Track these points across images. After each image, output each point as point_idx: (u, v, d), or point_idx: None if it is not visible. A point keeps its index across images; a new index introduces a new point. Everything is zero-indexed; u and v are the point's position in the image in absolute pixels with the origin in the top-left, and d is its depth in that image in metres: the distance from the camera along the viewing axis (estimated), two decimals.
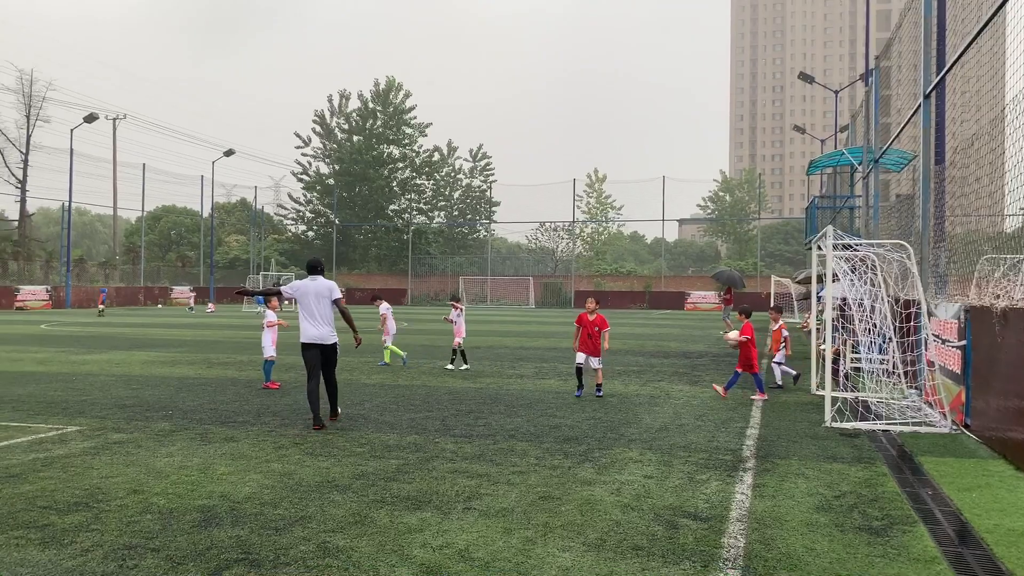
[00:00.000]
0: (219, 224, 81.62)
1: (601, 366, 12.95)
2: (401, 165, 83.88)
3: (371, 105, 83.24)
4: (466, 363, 16.79)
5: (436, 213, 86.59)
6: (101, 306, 45.46)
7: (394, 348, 17.55)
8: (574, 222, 76.06)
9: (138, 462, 7.84)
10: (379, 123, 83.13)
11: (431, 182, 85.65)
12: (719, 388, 13.29)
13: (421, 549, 5.34)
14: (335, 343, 10.35)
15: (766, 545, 5.55)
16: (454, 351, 16.82)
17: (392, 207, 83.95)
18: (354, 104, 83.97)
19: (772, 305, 16.61)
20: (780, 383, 14.43)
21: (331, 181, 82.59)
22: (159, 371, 15.87)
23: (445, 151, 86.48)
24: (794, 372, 14.55)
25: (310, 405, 10.03)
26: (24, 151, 62.11)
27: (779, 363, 14.69)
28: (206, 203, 73.91)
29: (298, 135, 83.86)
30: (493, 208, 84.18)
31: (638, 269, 78.75)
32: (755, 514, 6.30)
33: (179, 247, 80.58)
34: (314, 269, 10.54)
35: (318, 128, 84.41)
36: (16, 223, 64.42)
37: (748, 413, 11.40)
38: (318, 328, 10.22)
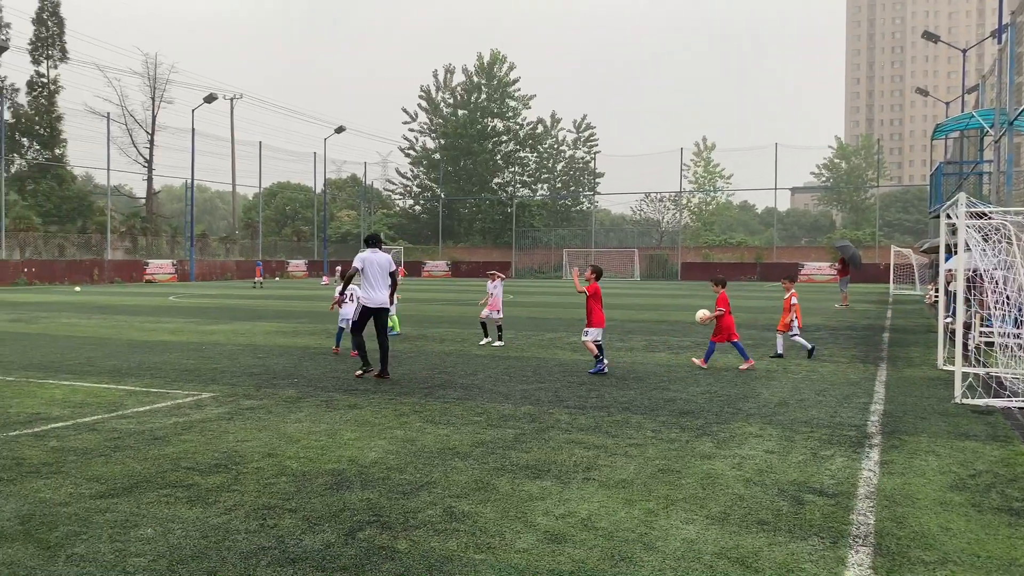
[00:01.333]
0: (331, 199, 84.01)
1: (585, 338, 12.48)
2: (505, 138, 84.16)
3: (475, 79, 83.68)
4: (500, 339, 16.16)
5: (539, 186, 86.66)
6: (259, 279, 47.87)
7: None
8: (681, 192, 74.70)
9: (270, 427, 8.24)
10: (483, 96, 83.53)
11: (535, 154, 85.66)
12: (697, 360, 13.40)
13: (544, 517, 5.43)
14: (388, 307, 12.22)
15: (898, 523, 5.39)
16: (483, 325, 16.43)
17: (496, 180, 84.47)
18: (459, 78, 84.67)
19: (786, 276, 16.12)
20: (781, 352, 14.29)
21: (437, 155, 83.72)
22: (282, 341, 16.56)
23: (549, 123, 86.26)
24: (808, 345, 14.38)
25: (359, 353, 12.06)
26: (150, 132, 65.45)
27: (794, 335, 14.39)
28: (318, 179, 76.32)
29: (405, 111, 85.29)
30: (597, 179, 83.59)
31: (748, 240, 76.75)
32: (884, 491, 6.11)
33: (294, 222, 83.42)
34: (374, 243, 12.17)
35: (424, 103, 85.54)
36: (144, 200, 68.11)
37: (872, 388, 11.03)
38: (380, 293, 11.86)
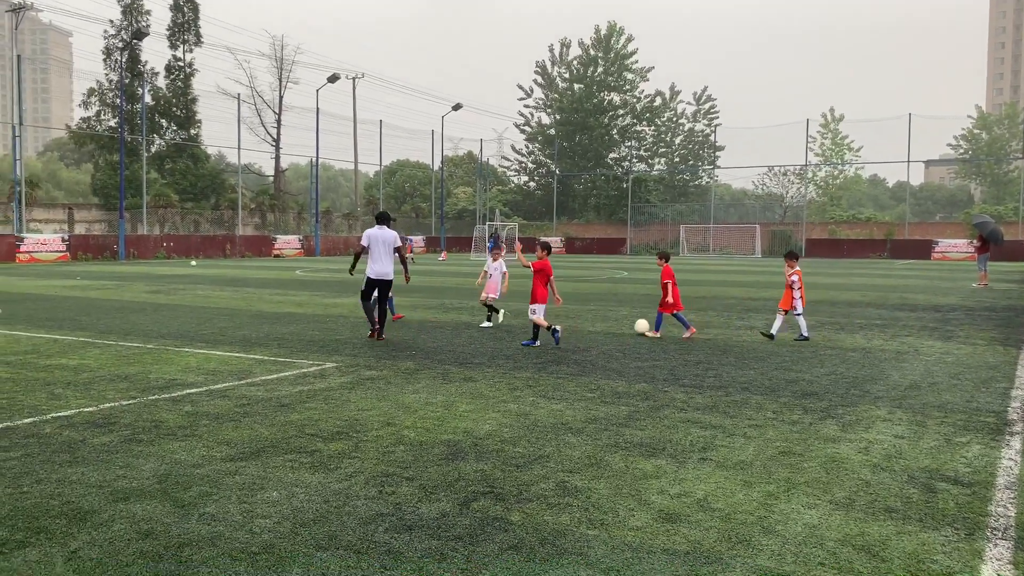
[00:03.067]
0: (448, 176, 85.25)
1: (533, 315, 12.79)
2: (622, 112, 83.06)
3: (592, 52, 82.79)
4: (489, 320, 15.20)
5: (656, 160, 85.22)
6: (410, 255, 49.60)
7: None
8: (806, 165, 71.88)
9: (388, 397, 8.45)
10: (600, 70, 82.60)
11: (652, 128, 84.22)
12: (652, 333, 13.64)
13: (658, 495, 5.35)
14: (391, 280, 13.19)
15: None
16: (487, 307, 15.24)
17: (612, 155, 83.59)
18: (575, 52, 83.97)
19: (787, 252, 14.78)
20: (806, 335, 13.43)
21: (552, 131, 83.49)
22: (401, 314, 16.96)
23: (667, 95, 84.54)
24: (806, 334, 13.52)
25: (368, 317, 13.38)
26: (277, 112, 68.01)
27: (799, 314, 13.55)
28: (436, 157, 77.53)
29: (520, 87, 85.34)
30: (717, 153, 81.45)
31: (878, 215, 73.19)
32: None
33: (412, 199, 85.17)
34: (382, 220, 13.34)
35: (540, 79, 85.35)
36: (272, 178, 70.98)
37: (1013, 373, 10.33)
38: (383, 266, 13.05)
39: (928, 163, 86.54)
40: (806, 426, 7.35)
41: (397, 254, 13.31)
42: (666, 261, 14.17)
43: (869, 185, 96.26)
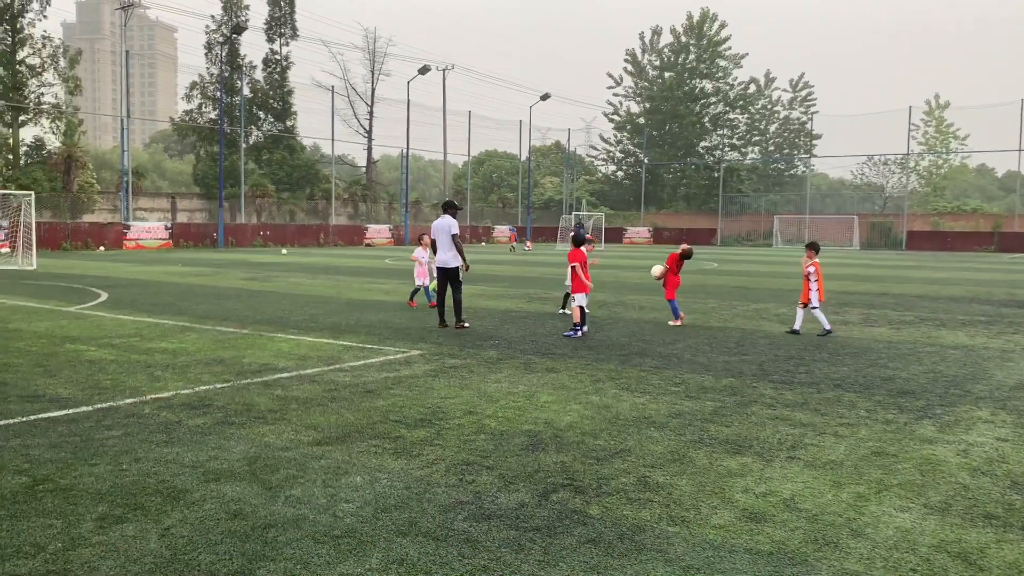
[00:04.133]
0: (535, 166, 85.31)
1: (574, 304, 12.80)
2: (714, 100, 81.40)
3: (683, 39, 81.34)
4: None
5: (750, 149, 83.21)
6: (514, 243, 50.98)
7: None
8: (908, 154, 68.97)
9: (471, 386, 8.52)
10: (692, 57, 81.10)
11: (745, 116, 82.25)
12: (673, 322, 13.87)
13: (743, 494, 5.22)
14: (454, 268, 13.02)
15: None
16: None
17: (703, 144, 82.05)
18: (666, 39, 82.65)
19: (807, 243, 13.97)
20: (828, 328, 12.90)
21: (641, 120, 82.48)
22: (486, 303, 17.06)
23: (762, 82, 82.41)
24: (827, 326, 12.98)
25: (438, 309, 13.39)
26: (369, 103, 69.29)
27: (814, 307, 12.99)
28: (524, 147, 77.60)
29: (610, 75, 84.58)
30: (814, 141, 78.98)
31: (985, 207, 69.71)
32: None
33: (499, 189, 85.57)
34: (446, 209, 13.32)
35: (629, 67, 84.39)
36: (364, 169, 72.42)
37: None
38: (444, 254, 13.06)
39: None
40: (901, 426, 7.06)
41: (453, 240, 12.97)
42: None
43: (976, 175, 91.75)
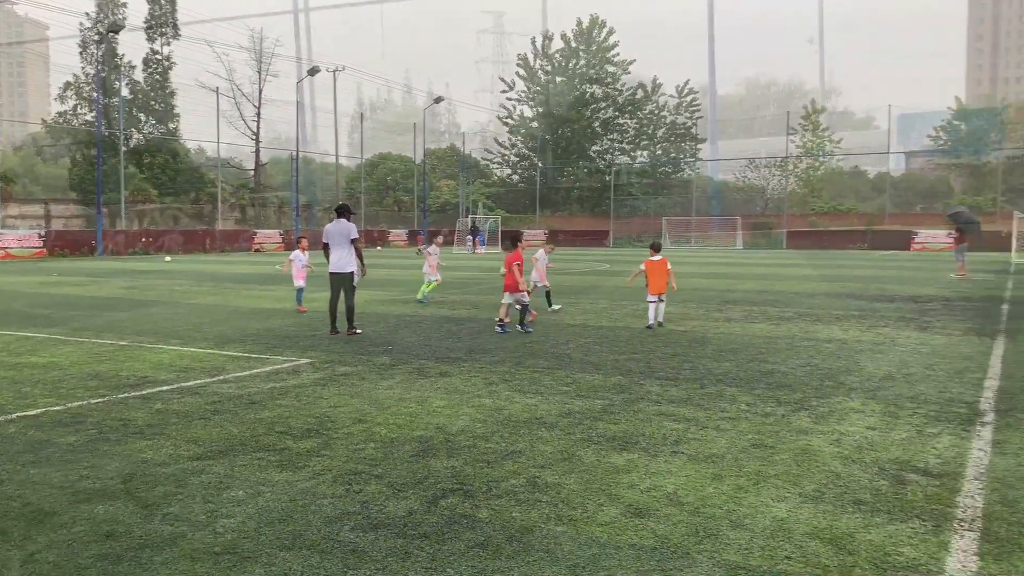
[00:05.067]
0: (431, 170, 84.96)
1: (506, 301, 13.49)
2: (604, 105, 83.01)
3: (573, 44, 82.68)
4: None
5: (639, 153, 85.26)
6: (420, 247, 49.72)
7: None
8: (787, 157, 72.15)
9: (362, 393, 8.39)
10: (582, 63, 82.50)
11: (634, 121, 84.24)
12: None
13: (629, 490, 5.32)
14: (347, 272, 12.76)
15: (1009, 507, 5.04)
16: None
17: (595, 148, 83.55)
18: (557, 45, 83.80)
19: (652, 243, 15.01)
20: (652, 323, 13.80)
21: (535, 124, 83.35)
22: (379, 309, 16.87)
23: (649, 88, 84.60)
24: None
25: (330, 316, 12.98)
26: (257, 105, 67.49)
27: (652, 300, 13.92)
28: (418, 150, 77.17)
29: (503, 79, 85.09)
30: (698, 146, 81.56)
31: (859, 206, 73.58)
32: (995, 473, 5.73)
33: (395, 192, 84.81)
34: (340, 213, 13.06)
35: (522, 72, 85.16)
36: (252, 172, 70.47)
37: (986, 363, 10.39)
38: (336, 259, 12.82)
39: (908, 154, 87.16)
40: (779, 418, 7.35)
41: (354, 247, 12.81)
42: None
43: (850, 177, 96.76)
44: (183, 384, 8.86)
